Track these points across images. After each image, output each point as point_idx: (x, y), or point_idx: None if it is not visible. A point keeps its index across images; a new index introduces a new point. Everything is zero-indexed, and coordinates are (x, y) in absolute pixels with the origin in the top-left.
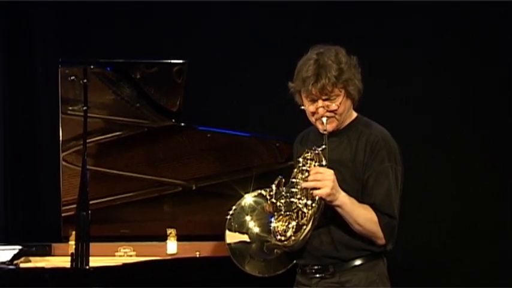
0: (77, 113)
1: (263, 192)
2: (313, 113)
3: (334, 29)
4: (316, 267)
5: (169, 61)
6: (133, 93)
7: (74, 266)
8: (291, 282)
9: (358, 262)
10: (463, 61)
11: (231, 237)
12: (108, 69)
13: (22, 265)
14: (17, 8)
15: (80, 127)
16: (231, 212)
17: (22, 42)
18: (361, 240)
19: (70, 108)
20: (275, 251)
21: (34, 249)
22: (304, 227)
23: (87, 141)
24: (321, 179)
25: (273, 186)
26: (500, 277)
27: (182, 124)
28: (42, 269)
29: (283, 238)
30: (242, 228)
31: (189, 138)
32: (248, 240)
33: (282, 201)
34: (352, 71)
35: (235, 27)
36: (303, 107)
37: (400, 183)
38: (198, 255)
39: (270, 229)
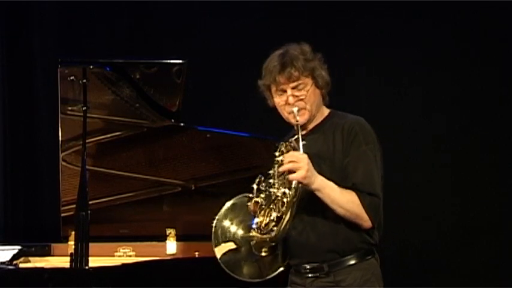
0: (76, 113)
1: (246, 194)
2: (284, 106)
3: (334, 29)
4: (310, 266)
5: (168, 61)
6: (132, 93)
7: (73, 266)
8: (285, 282)
9: (352, 261)
10: (463, 61)
11: (220, 250)
12: (108, 69)
13: (21, 265)
14: (17, 8)
15: (79, 127)
16: (214, 224)
17: (22, 42)
18: (349, 229)
19: (69, 108)
20: (263, 249)
21: (33, 249)
22: (284, 216)
23: (87, 141)
24: (296, 160)
25: (254, 186)
26: (500, 277)
27: (182, 124)
28: (42, 269)
29: (265, 231)
30: (227, 235)
31: (188, 138)
32: (235, 246)
33: (262, 195)
34: (318, 63)
35: (236, 27)
36: (274, 105)
37: (380, 164)
38: (197, 255)
39: (253, 227)
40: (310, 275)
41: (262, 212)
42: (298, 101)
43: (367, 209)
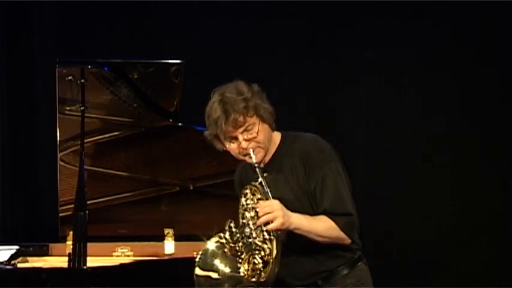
0: (74, 113)
1: (219, 239)
2: (238, 150)
3: (334, 29)
4: (303, 286)
5: (166, 61)
6: (130, 93)
7: (71, 266)
8: None
9: (345, 271)
10: (463, 61)
11: (201, 271)
12: (106, 69)
13: (20, 265)
14: (17, 8)
15: (77, 127)
16: (197, 258)
17: (22, 42)
18: (334, 246)
19: (67, 108)
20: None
21: (32, 249)
22: (271, 260)
23: (85, 141)
24: (269, 211)
25: (226, 233)
26: (500, 277)
27: (180, 124)
28: (40, 269)
29: (254, 278)
30: (213, 269)
31: (186, 138)
32: (219, 277)
33: (240, 244)
34: (258, 97)
35: (236, 27)
36: (224, 149)
37: (344, 177)
38: (195, 255)
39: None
40: None
41: (245, 259)
42: (251, 142)
43: (344, 229)
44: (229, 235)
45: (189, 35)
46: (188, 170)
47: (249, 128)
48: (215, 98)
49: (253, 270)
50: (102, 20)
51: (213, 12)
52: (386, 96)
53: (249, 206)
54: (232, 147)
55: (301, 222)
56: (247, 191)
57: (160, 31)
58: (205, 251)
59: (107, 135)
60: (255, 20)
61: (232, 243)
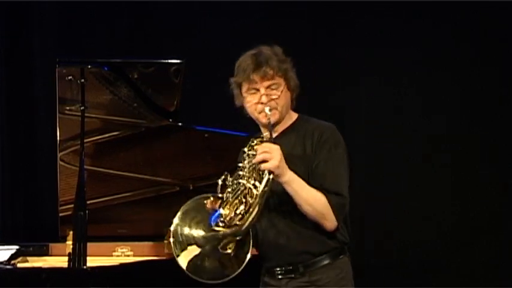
0: (74, 113)
1: (199, 197)
2: (256, 105)
3: (334, 29)
4: (285, 268)
5: (166, 61)
6: (130, 93)
7: (71, 266)
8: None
9: (326, 261)
10: (463, 61)
11: (183, 258)
12: (106, 69)
13: (19, 265)
14: (17, 8)
15: (77, 127)
16: (174, 255)
17: (22, 42)
18: (321, 230)
19: (67, 108)
20: (228, 246)
21: (31, 249)
22: (251, 209)
23: (85, 141)
24: (268, 151)
25: (219, 181)
26: (500, 277)
27: (180, 124)
28: (40, 268)
29: (230, 224)
30: (187, 240)
31: (186, 138)
32: (198, 249)
33: (229, 190)
34: (289, 65)
35: (236, 27)
36: (242, 104)
37: (347, 166)
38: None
39: (215, 222)
40: (285, 277)
41: (228, 206)
42: (270, 100)
43: (334, 208)
44: (221, 184)
45: (189, 35)
46: (188, 170)
47: (274, 86)
48: (250, 52)
49: (231, 218)
50: (102, 20)
51: (213, 12)
52: (386, 96)
53: (250, 153)
54: (251, 99)
55: (294, 178)
56: (253, 142)
57: (160, 31)
58: (174, 233)
59: (106, 135)
60: (255, 20)
61: (220, 193)
